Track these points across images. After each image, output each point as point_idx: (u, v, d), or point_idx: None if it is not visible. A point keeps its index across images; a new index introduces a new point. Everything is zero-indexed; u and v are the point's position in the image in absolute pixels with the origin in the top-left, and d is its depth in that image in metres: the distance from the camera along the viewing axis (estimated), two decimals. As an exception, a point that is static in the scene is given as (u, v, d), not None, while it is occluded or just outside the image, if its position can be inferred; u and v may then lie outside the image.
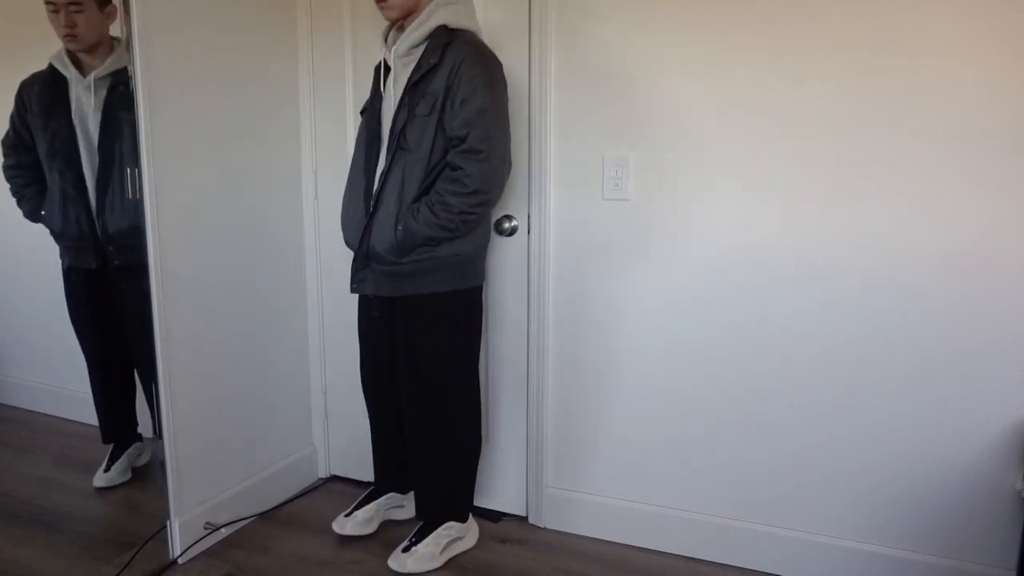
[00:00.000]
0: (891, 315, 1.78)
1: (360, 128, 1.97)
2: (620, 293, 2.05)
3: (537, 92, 2.04)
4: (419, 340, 1.90)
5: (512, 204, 2.14)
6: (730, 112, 1.86)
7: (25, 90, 1.80)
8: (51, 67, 1.82)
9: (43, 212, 1.86)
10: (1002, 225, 1.67)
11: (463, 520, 2.06)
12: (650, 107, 1.94)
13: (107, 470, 2.04)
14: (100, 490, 2.04)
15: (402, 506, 2.24)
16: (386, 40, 1.88)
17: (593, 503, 2.16)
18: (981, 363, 1.72)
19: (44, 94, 1.82)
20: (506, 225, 2.14)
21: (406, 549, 1.98)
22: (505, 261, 2.17)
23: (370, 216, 1.85)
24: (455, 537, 2.04)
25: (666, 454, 2.07)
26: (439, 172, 1.78)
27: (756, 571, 2.00)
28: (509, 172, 1.83)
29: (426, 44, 1.78)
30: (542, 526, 2.24)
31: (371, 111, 1.92)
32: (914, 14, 1.66)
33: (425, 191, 1.79)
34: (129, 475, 2.08)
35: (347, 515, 2.16)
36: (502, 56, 2.06)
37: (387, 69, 1.86)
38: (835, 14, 1.73)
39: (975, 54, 1.63)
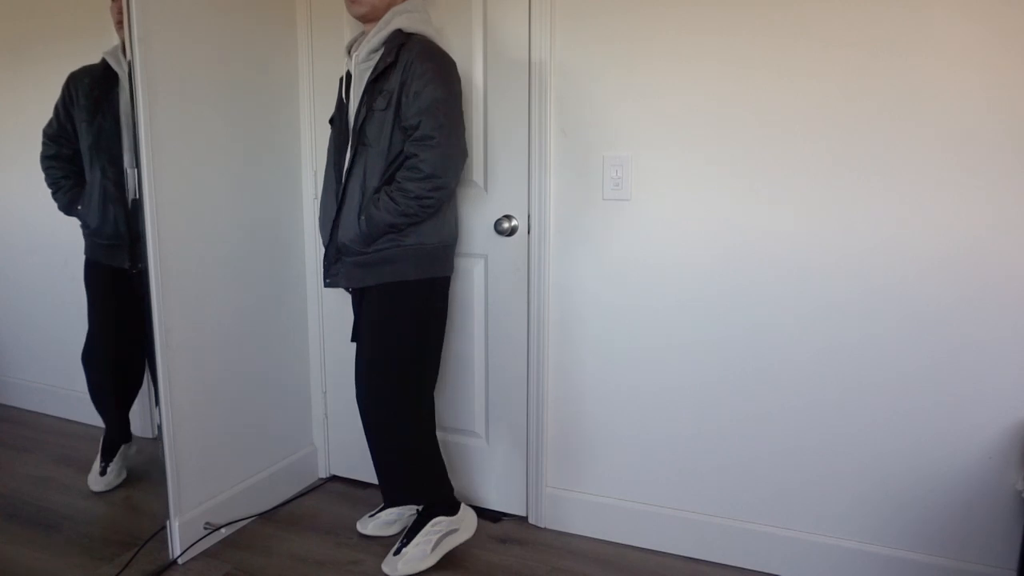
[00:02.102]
0: (891, 315, 1.78)
1: (330, 136, 2.02)
2: (620, 293, 2.05)
3: (537, 92, 2.04)
4: (377, 327, 1.91)
5: (512, 204, 2.14)
6: (730, 112, 1.86)
7: (73, 82, 1.77)
8: (104, 62, 1.80)
9: (79, 207, 1.84)
10: (1002, 226, 1.67)
11: (451, 512, 2.03)
12: (650, 107, 1.94)
13: (103, 473, 2.03)
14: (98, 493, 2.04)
15: None
16: (349, 52, 1.96)
17: (593, 503, 2.16)
18: (981, 363, 1.72)
19: (94, 89, 1.79)
20: (506, 225, 2.14)
21: (397, 552, 1.98)
22: (505, 261, 2.17)
23: (337, 210, 1.90)
24: (446, 532, 2.01)
25: (666, 454, 2.07)
26: (399, 164, 1.84)
27: (756, 571, 2.00)
28: (464, 160, 1.89)
29: (383, 48, 1.85)
30: (542, 526, 2.24)
31: (337, 119, 1.98)
32: (914, 15, 1.66)
33: (387, 183, 1.85)
34: (124, 475, 2.07)
35: (371, 516, 2.18)
36: (502, 57, 2.07)
37: (350, 78, 1.94)
38: (835, 14, 1.73)
39: (975, 55, 1.63)
